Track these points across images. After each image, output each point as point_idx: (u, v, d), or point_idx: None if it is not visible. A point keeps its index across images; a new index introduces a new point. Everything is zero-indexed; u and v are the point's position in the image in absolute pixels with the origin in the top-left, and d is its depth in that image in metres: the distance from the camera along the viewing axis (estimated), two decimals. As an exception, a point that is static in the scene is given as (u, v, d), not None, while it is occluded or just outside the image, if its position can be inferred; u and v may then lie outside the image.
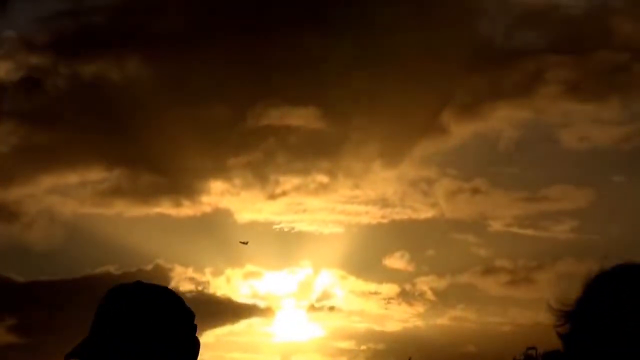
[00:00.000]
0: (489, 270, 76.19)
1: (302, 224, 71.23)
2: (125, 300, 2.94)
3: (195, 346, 3.05)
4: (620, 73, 71.04)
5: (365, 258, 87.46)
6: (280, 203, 71.03)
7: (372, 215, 70.60)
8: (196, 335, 3.07)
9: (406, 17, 69.18)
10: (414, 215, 70.93)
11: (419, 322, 76.46)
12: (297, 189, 70.50)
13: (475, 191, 72.39)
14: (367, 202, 71.05)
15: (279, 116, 67.67)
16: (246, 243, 63.96)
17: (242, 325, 79.05)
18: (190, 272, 72.00)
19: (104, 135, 68.21)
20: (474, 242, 78.46)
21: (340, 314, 77.78)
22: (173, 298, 3.08)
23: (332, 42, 70.36)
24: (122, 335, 2.82)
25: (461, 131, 78.36)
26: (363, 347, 73.10)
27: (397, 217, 70.35)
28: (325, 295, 72.96)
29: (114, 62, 74.48)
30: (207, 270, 74.74)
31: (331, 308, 72.43)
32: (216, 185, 71.83)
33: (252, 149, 73.86)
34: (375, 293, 73.99)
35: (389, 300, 73.19)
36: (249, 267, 71.42)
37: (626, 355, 1.88)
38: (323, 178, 71.12)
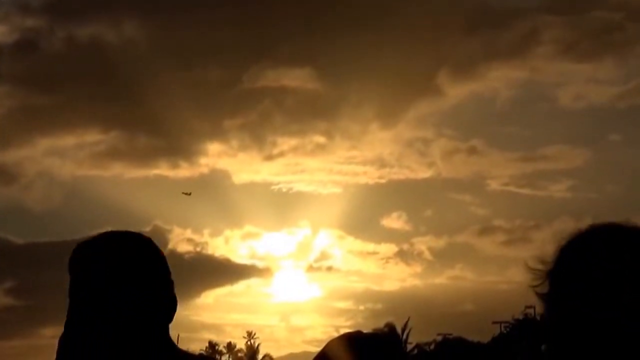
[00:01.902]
0: (486, 229, 76.82)
1: (300, 185, 71.63)
2: (99, 256, 2.74)
3: (173, 303, 2.82)
4: (615, 32, 71.21)
5: (363, 218, 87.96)
6: (277, 164, 71.31)
7: (370, 175, 70.89)
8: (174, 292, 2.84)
9: (403, -22, 69.01)
10: (412, 175, 71.28)
11: (416, 282, 77.12)
12: (295, 149, 70.73)
13: (472, 151, 72.74)
14: (364, 163, 71.36)
15: (276, 77, 67.67)
16: (189, 194, 64.03)
17: (241, 286, 79.78)
18: (188, 233, 72.51)
19: (101, 97, 68.36)
20: (471, 201, 79.05)
21: (339, 274, 78.46)
22: (151, 249, 2.79)
23: (328, 3, 70.28)
24: (96, 302, 2.69)
25: (457, 92, 78.64)
26: (361, 307, 73.67)
27: (394, 177, 70.63)
28: (323, 256, 73.42)
29: (110, 24, 74.43)
30: (206, 231, 75.35)
31: (329, 268, 72.97)
32: (213, 147, 72.12)
33: (249, 111, 73.98)
34: (373, 253, 74.53)
35: (387, 260, 73.69)
36: (248, 228, 71.87)
37: (599, 317, 1.89)
38: (320, 139, 71.37)
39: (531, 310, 48.38)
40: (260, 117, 70.69)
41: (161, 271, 2.78)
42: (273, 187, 69.61)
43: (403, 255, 71.66)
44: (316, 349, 3.22)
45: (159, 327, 2.76)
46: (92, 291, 2.68)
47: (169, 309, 2.78)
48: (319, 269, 72.53)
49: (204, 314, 73.68)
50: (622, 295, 1.87)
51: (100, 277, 2.68)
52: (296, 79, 68.60)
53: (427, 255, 71.22)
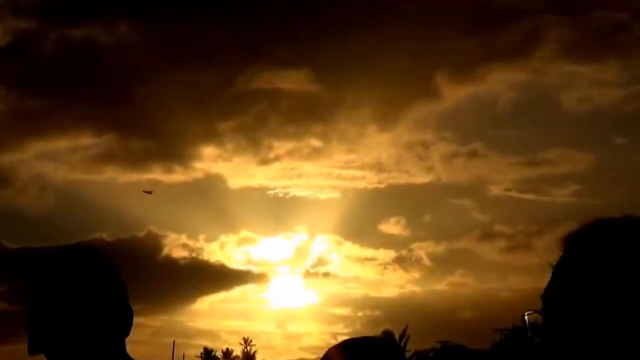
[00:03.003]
0: (487, 235, 76.05)
1: (297, 189, 70.98)
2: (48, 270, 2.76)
3: (128, 315, 2.78)
4: (619, 33, 70.61)
5: (361, 223, 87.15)
6: (273, 168, 70.71)
7: (368, 180, 70.20)
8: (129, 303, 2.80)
9: (402, -21, 68.48)
10: (411, 180, 70.55)
11: (416, 288, 76.35)
12: (291, 153, 70.10)
13: (473, 155, 72.04)
14: (362, 167, 70.71)
15: (271, 79, 67.05)
16: (150, 192, 63.61)
17: (237, 291, 79.54)
18: (183, 238, 72.02)
19: (94, 100, 67.77)
20: (472, 206, 78.17)
21: (336, 280, 77.71)
22: (97, 261, 2.79)
23: (324, 4, 69.81)
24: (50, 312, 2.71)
25: (457, 94, 77.97)
26: (359, 314, 73.14)
27: (393, 181, 69.96)
28: (320, 261, 72.87)
29: (103, 27, 73.82)
30: (201, 236, 74.79)
31: (326, 274, 72.39)
32: (208, 151, 71.59)
33: (244, 114, 73.25)
34: (372, 259, 73.84)
35: (385, 266, 73.01)
36: (244, 233, 71.40)
37: (602, 320, 1.82)
38: (317, 142, 70.70)
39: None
40: (256, 120, 70.15)
41: (111, 282, 2.78)
42: (269, 191, 68.94)
43: (402, 261, 70.96)
44: (313, 356, 2.67)
45: (112, 340, 2.76)
46: (41, 309, 2.72)
47: (123, 321, 2.77)
48: (316, 274, 71.82)
49: (199, 320, 72.98)
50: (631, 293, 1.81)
51: (47, 294, 2.71)
52: (292, 81, 67.96)
53: (426, 261, 70.50)
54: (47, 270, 2.74)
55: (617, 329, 1.81)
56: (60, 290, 2.70)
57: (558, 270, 1.90)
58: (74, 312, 2.68)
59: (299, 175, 69.10)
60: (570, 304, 1.85)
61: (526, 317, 1.99)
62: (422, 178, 70.16)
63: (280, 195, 69.22)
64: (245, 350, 67.66)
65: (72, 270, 2.73)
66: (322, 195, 69.58)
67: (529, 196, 75.36)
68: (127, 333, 2.78)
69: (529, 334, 1.95)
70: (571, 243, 1.90)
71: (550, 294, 1.90)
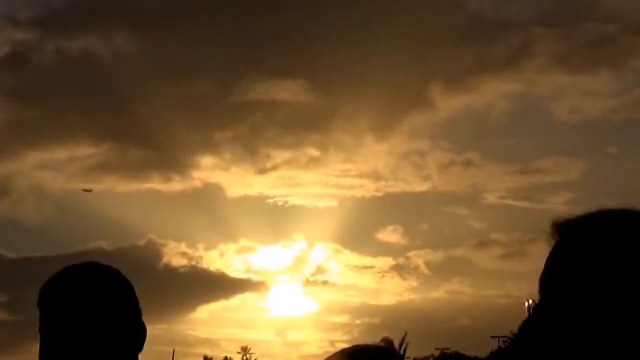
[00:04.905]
0: (483, 243, 76.44)
1: (296, 198, 71.17)
2: (67, 287, 2.78)
3: (142, 332, 2.84)
4: (608, 44, 71.05)
5: (360, 232, 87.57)
6: (271, 177, 70.88)
7: (366, 188, 70.45)
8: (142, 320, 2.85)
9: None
10: (408, 189, 70.82)
11: (414, 296, 76.56)
12: (288, 163, 70.32)
13: (468, 164, 72.35)
14: (360, 176, 71.02)
15: (267, 90, 67.23)
16: (90, 191, 63.69)
17: (236, 300, 79.58)
18: (183, 247, 72.02)
19: (92, 110, 67.91)
20: (468, 215, 78.40)
21: (335, 289, 77.85)
22: (117, 281, 2.84)
23: (319, 14, 70.04)
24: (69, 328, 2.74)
25: (452, 104, 78.44)
26: (358, 322, 73.27)
27: (390, 190, 70.22)
28: (319, 270, 73.01)
29: (101, 38, 74.17)
30: (200, 245, 74.85)
31: (325, 282, 72.50)
32: (206, 161, 71.84)
33: (241, 124, 73.45)
34: (370, 267, 74.04)
35: (383, 274, 73.28)
36: (243, 242, 71.48)
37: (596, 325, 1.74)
38: (314, 152, 70.96)
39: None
40: (253, 130, 70.39)
41: (129, 301, 2.82)
42: (268, 200, 69.23)
43: (400, 269, 71.27)
44: (312, 365, 2.84)
45: (128, 357, 2.80)
46: (59, 326, 2.73)
47: (138, 338, 2.83)
48: (315, 283, 72.07)
49: (199, 329, 73.05)
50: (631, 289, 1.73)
51: (67, 312, 2.73)
52: (288, 91, 68.23)
53: (423, 269, 70.80)
54: (68, 288, 2.77)
55: (618, 315, 1.75)
56: (79, 307, 2.72)
57: (553, 259, 1.85)
58: (92, 329, 2.71)
59: (298, 185, 69.39)
60: (570, 289, 1.80)
61: (532, 306, 1.94)
62: (419, 187, 70.52)
63: (279, 204, 69.48)
64: (245, 358, 67.82)
65: (91, 287, 2.76)
66: (321, 204, 69.87)
67: (524, 204, 75.68)
68: (140, 349, 2.83)
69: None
70: (573, 229, 1.85)
71: (545, 284, 1.84)
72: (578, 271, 1.79)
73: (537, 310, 1.84)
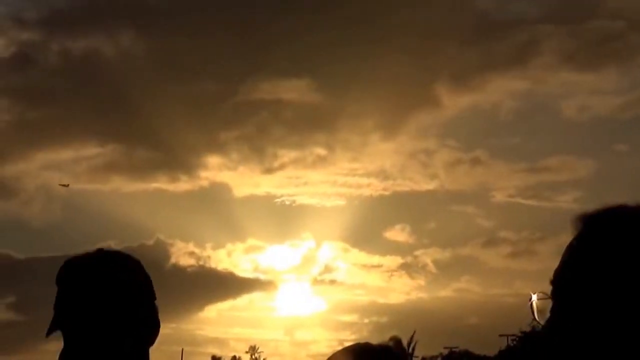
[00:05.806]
0: (491, 241, 76.23)
1: (303, 197, 71.02)
2: (83, 273, 2.75)
3: (156, 326, 2.83)
4: (616, 41, 70.80)
5: (367, 231, 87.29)
6: (278, 177, 70.76)
7: (374, 187, 70.30)
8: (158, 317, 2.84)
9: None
10: (415, 187, 70.63)
11: (422, 295, 76.30)
12: (295, 162, 70.19)
13: (476, 162, 72.18)
14: (367, 175, 70.79)
15: (273, 89, 67.15)
16: (67, 185, 63.70)
17: (244, 299, 79.40)
18: (191, 246, 72.02)
19: (97, 110, 67.74)
20: (476, 213, 78.21)
21: (343, 287, 77.63)
22: (140, 271, 2.82)
23: (325, 13, 69.93)
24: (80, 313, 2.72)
25: (459, 102, 78.03)
26: (366, 321, 73.05)
27: (398, 189, 70.04)
28: (327, 269, 72.82)
29: (106, 38, 74.11)
30: (208, 245, 74.81)
31: (333, 281, 72.37)
32: (213, 160, 71.66)
33: (248, 123, 73.39)
34: (378, 266, 73.77)
35: (391, 272, 73.06)
36: (250, 241, 71.40)
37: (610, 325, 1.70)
38: (321, 151, 70.73)
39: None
40: (259, 129, 70.30)
41: (147, 293, 2.80)
42: (275, 200, 69.10)
43: (407, 268, 71.06)
44: (320, 364, 2.80)
45: (139, 348, 2.78)
46: (76, 305, 2.71)
47: (152, 331, 2.80)
48: (323, 282, 71.92)
49: (207, 328, 73.06)
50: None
51: (87, 293, 2.69)
52: (294, 90, 68.10)
53: (431, 267, 70.58)
54: (91, 272, 2.73)
55: (633, 315, 1.71)
56: (98, 292, 2.69)
57: (573, 251, 1.79)
58: (108, 314, 2.69)
59: (305, 184, 69.24)
60: (584, 288, 1.74)
61: (534, 301, 1.87)
62: (426, 185, 70.28)
63: (287, 203, 69.35)
64: (253, 357, 67.78)
65: (115, 275, 2.73)
66: (328, 203, 69.71)
67: (532, 202, 75.49)
68: (152, 342, 2.81)
69: (536, 318, 1.83)
70: (590, 224, 1.80)
71: (562, 277, 1.79)
72: (604, 265, 1.73)
73: (558, 305, 1.79)
